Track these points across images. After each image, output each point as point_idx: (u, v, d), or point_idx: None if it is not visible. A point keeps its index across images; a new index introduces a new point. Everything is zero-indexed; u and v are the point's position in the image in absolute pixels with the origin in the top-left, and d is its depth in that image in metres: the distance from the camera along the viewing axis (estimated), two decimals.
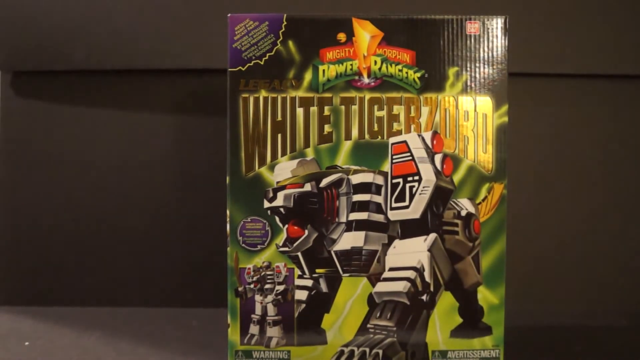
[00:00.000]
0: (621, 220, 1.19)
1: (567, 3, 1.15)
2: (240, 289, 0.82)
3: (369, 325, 0.83)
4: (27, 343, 0.97)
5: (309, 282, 0.83)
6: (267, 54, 0.82)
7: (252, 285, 0.82)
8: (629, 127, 1.19)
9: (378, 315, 0.83)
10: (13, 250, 1.18)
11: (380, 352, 0.82)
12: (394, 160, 0.82)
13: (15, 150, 1.18)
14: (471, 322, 0.83)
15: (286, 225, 0.82)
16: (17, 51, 1.15)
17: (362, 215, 0.82)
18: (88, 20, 1.13)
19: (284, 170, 0.82)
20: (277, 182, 0.82)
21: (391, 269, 0.82)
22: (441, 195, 0.82)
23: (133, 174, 1.18)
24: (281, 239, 0.82)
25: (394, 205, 0.82)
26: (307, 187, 0.82)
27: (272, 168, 0.82)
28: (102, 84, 1.18)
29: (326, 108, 0.82)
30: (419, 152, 0.82)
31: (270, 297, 0.82)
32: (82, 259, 1.18)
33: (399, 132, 0.82)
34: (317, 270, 0.83)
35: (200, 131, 1.17)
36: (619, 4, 1.15)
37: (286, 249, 0.82)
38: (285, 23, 0.82)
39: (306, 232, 0.82)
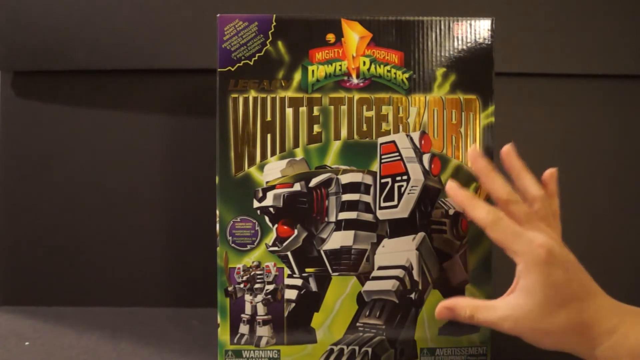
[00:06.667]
0: (621, 219, 1.18)
1: (565, 3, 1.15)
2: (229, 288, 0.83)
3: (358, 324, 0.83)
4: (27, 343, 0.97)
5: (298, 282, 0.83)
6: (257, 54, 0.82)
7: (241, 285, 0.83)
8: (629, 127, 1.19)
9: (367, 313, 0.83)
10: (13, 251, 1.19)
11: (370, 350, 0.83)
12: (382, 160, 0.83)
13: (15, 150, 1.19)
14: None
15: (276, 225, 0.83)
16: (17, 51, 1.16)
17: (351, 215, 0.83)
18: (88, 20, 1.14)
19: (274, 170, 0.83)
20: (267, 182, 0.83)
21: (380, 268, 0.83)
22: (429, 195, 0.83)
23: (133, 173, 1.18)
24: (271, 238, 0.83)
25: (382, 204, 0.83)
26: (297, 186, 0.83)
27: (261, 168, 0.83)
28: (101, 84, 1.18)
29: (315, 108, 0.83)
30: (407, 152, 0.82)
31: (260, 297, 0.83)
32: (82, 259, 1.19)
33: (388, 132, 0.83)
34: (307, 270, 0.83)
35: (196, 131, 1.17)
36: (617, 4, 1.15)
37: (276, 248, 0.83)
38: (274, 23, 0.82)
39: (296, 231, 0.83)
